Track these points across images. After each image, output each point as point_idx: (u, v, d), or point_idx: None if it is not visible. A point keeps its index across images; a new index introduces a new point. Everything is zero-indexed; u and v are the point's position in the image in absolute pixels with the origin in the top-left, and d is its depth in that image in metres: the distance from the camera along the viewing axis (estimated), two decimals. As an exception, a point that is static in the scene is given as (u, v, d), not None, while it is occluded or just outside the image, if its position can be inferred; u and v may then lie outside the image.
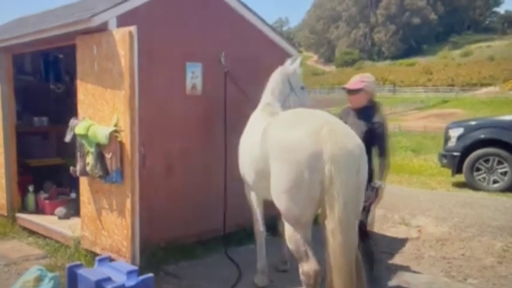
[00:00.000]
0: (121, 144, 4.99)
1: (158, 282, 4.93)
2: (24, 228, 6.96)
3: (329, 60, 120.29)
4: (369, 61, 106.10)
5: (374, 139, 4.53)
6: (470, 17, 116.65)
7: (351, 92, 4.76)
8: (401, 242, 6.96)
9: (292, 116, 4.25)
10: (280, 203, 3.88)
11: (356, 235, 3.67)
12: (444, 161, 11.58)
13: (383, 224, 7.75)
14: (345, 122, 4.47)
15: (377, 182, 4.50)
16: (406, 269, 5.78)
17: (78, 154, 5.47)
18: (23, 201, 7.34)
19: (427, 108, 49.03)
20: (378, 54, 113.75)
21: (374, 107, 4.76)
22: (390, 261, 6.07)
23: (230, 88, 6.21)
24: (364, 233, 4.55)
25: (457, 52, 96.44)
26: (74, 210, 6.74)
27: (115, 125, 5.02)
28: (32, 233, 6.81)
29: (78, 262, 4.81)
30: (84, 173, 5.43)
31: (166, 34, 5.73)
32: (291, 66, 5.52)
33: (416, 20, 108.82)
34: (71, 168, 5.63)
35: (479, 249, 6.59)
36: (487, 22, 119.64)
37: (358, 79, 4.78)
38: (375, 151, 4.58)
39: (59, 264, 5.50)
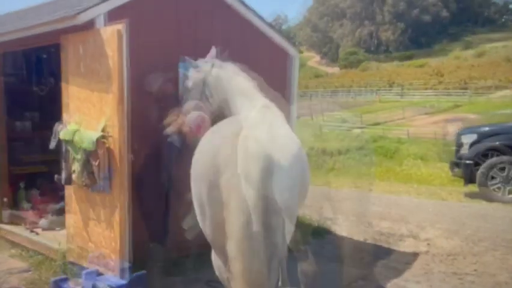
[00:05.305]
0: (109, 150, 4.99)
1: (149, 298, 4.95)
2: (7, 240, 6.97)
3: (332, 60, 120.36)
4: (376, 62, 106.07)
5: None
6: (484, 14, 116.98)
7: None
8: (409, 257, 6.97)
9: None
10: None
11: (266, 268, 3.15)
12: (456, 169, 11.60)
13: (389, 237, 7.77)
14: None
15: None
16: (414, 285, 5.80)
17: (63, 161, 5.49)
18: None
19: (438, 112, 48.92)
20: (385, 54, 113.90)
21: None
22: (398, 277, 6.09)
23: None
24: None
25: (470, 52, 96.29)
26: (59, 220, 6.73)
27: (103, 130, 5.02)
28: (15, 244, 6.81)
29: (64, 276, 4.84)
30: (69, 181, 5.44)
31: (157, 32, 5.74)
32: None
33: (427, 18, 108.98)
34: (56, 176, 5.64)
35: (493, 265, 6.62)
36: (503, 20, 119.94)
37: None
38: None
39: (44, 278, 5.50)
